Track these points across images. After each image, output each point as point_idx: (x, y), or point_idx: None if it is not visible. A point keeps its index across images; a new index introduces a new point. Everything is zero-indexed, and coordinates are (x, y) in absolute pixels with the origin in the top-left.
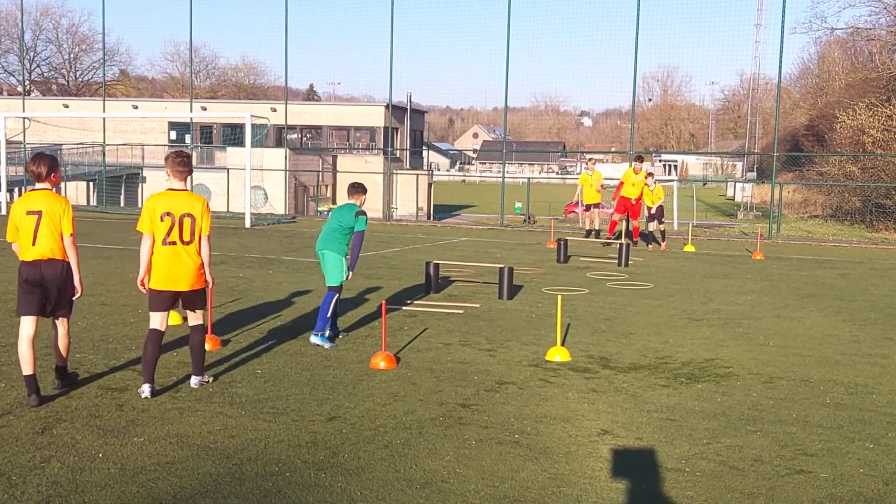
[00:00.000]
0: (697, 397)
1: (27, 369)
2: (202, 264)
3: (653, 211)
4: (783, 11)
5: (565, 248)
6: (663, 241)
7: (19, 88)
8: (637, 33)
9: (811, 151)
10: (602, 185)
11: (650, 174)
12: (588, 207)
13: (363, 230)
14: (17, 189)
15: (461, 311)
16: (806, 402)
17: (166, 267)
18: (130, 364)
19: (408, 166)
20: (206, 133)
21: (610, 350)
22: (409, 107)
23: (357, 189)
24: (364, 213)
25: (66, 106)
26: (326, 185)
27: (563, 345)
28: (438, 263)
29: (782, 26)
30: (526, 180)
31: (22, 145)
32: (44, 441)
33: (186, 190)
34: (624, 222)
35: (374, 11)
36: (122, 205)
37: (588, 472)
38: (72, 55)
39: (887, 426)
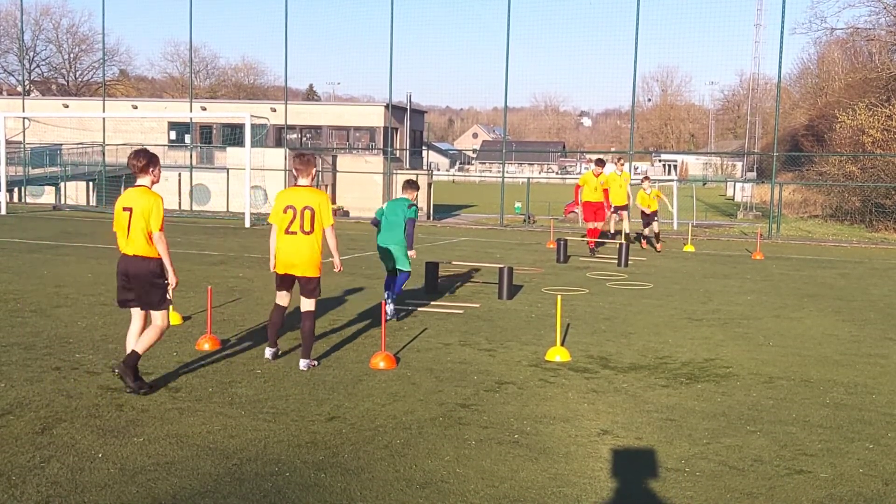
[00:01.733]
0: (697, 397)
1: (129, 349)
2: (320, 253)
3: (648, 213)
4: (783, 12)
5: (565, 248)
6: (658, 242)
7: (19, 88)
8: (637, 33)
9: (811, 151)
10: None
11: (647, 178)
12: (615, 209)
13: (414, 218)
14: (16, 189)
15: (461, 311)
16: (806, 402)
17: (285, 253)
18: None
19: (407, 166)
20: (205, 133)
21: (610, 350)
22: (408, 107)
23: (411, 185)
24: (415, 205)
25: (66, 106)
26: (326, 185)
27: (562, 345)
28: (438, 263)
29: (782, 26)
30: (526, 180)
31: (22, 145)
32: (43, 441)
33: (310, 186)
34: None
35: (373, 11)
36: None
37: (588, 472)
38: (72, 55)
39: (887, 426)
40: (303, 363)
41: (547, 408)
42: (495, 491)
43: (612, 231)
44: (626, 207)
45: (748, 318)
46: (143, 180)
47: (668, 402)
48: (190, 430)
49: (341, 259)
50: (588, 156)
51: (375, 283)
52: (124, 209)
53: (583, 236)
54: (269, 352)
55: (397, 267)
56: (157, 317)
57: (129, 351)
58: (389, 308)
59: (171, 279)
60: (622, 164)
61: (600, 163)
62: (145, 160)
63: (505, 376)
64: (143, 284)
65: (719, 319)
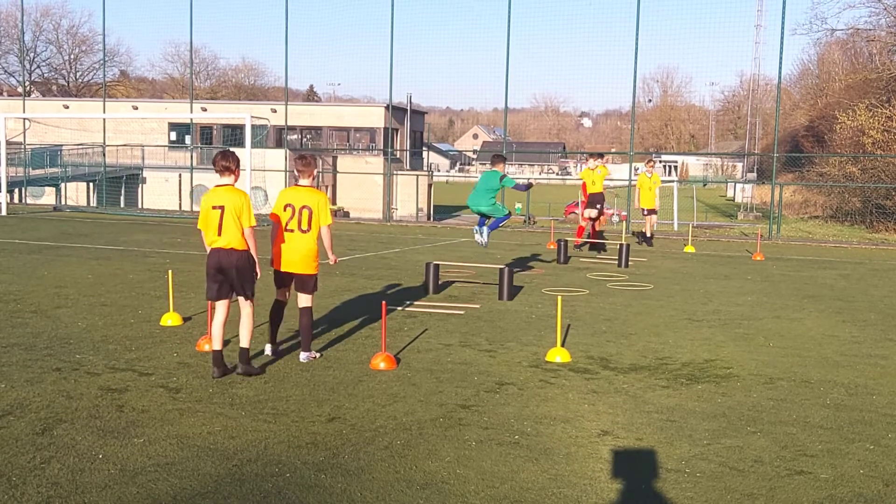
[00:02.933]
0: (697, 398)
1: (215, 345)
2: (317, 252)
3: (595, 195)
4: (783, 12)
5: (565, 249)
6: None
7: (19, 89)
8: (637, 34)
9: (811, 152)
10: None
11: (598, 156)
12: (645, 212)
13: (514, 184)
14: (17, 190)
15: (461, 312)
16: (806, 402)
17: (283, 251)
18: (131, 365)
19: (408, 167)
20: (206, 134)
21: (610, 351)
22: (409, 107)
23: (499, 159)
24: (507, 175)
25: (67, 107)
26: (326, 186)
27: (563, 346)
28: (438, 264)
29: (782, 27)
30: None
31: (22, 146)
32: (44, 442)
33: (310, 187)
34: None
35: (374, 12)
36: (122, 205)
37: (588, 472)
38: (72, 56)
39: (887, 427)
40: (303, 356)
41: (547, 408)
42: (496, 492)
43: (649, 234)
44: (654, 211)
45: (748, 318)
46: (228, 179)
47: (668, 403)
48: (190, 431)
49: (338, 258)
50: (588, 156)
51: (375, 284)
52: (214, 207)
53: (588, 236)
54: (268, 348)
55: (492, 215)
56: (247, 305)
57: (216, 341)
58: (483, 236)
59: (258, 271)
60: (652, 166)
61: (597, 156)
62: (235, 163)
63: (505, 377)
64: (238, 274)
65: (720, 320)
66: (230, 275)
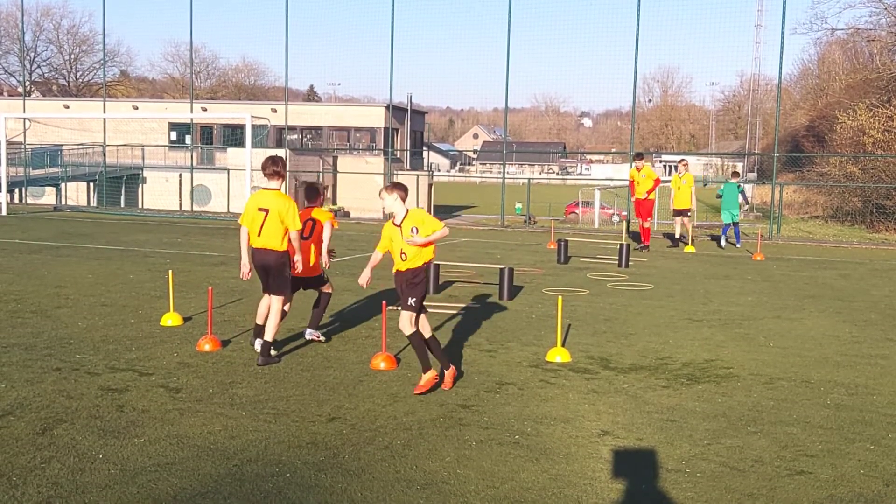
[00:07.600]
0: (698, 398)
1: (258, 320)
2: (318, 254)
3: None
4: (783, 12)
5: (566, 249)
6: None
7: (20, 89)
8: (637, 34)
9: (811, 152)
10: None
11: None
12: (678, 213)
13: (742, 190)
14: (17, 190)
15: (462, 312)
16: (806, 402)
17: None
18: (131, 365)
19: (408, 167)
20: (206, 134)
21: (610, 351)
22: (409, 107)
23: (736, 174)
24: (741, 184)
25: (67, 107)
26: (327, 186)
27: (563, 345)
28: (439, 264)
29: (782, 27)
30: (526, 181)
31: (22, 146)
32: (44, 442)
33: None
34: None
35: (374, 12)
36: (122, 205)
37: (588, 472)
38: (72, 56)
39: (888, 427)
40: (308, 332)
41: (547, 408)
42: (496, 492)
43: (678, 234)
44: (684, 212)
45: (749, 318)
46: (275, 183)
47: (668, 403)
48: (190, 431)
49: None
50: (588, 156)
51: (376, 284)
52: (259, 209)
53: (633, 235)
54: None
55: (734, 221)
56: (276, 301)
57: (259, 317)
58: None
59: (299, 266)
60: (685, 167)
61: (639, 157)
62: (283, 168)
63: (505, 377)
64: (273, 273)
65: (720, 320)
66: (268, 272)
